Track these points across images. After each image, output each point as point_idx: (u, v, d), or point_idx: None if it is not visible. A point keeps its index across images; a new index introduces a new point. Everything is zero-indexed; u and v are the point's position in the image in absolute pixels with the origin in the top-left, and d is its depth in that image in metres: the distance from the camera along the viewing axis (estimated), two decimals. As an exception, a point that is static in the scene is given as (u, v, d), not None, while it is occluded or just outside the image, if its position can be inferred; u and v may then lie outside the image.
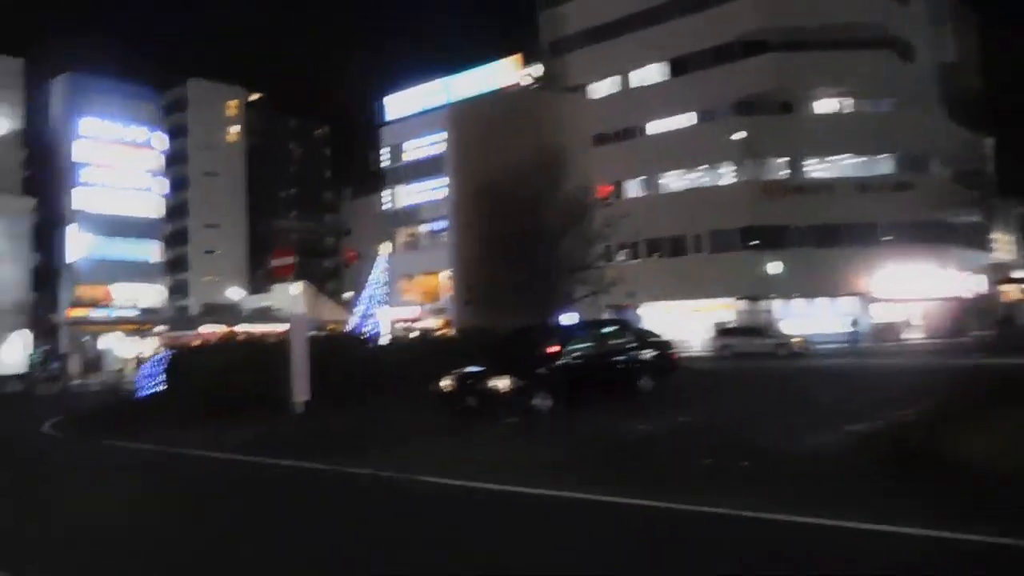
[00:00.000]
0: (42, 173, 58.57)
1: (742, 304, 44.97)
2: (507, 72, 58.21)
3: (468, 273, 22.05)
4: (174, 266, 68.41)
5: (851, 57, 45.78)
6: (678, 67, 49.36)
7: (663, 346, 15.97)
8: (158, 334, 54.90)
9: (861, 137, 45.58)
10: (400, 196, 65.19)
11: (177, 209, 70.04)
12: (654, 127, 50.16)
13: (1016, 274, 66.62)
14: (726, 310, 44.91)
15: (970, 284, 47.74)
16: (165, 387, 20.79)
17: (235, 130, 79.32)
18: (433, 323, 46.64)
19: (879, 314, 44.44)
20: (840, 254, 43.67)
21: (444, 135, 59.27)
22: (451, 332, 26.70)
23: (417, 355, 19.43)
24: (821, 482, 8.00)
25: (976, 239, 52.43)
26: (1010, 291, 62.56)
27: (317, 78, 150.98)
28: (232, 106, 79.47)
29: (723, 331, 37.64)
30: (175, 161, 69.48)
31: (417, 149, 63.77)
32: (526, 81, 56.28)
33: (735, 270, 43.79)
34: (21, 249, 52.96)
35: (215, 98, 77.65)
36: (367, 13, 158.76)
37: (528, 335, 15.46)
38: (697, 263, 45.64)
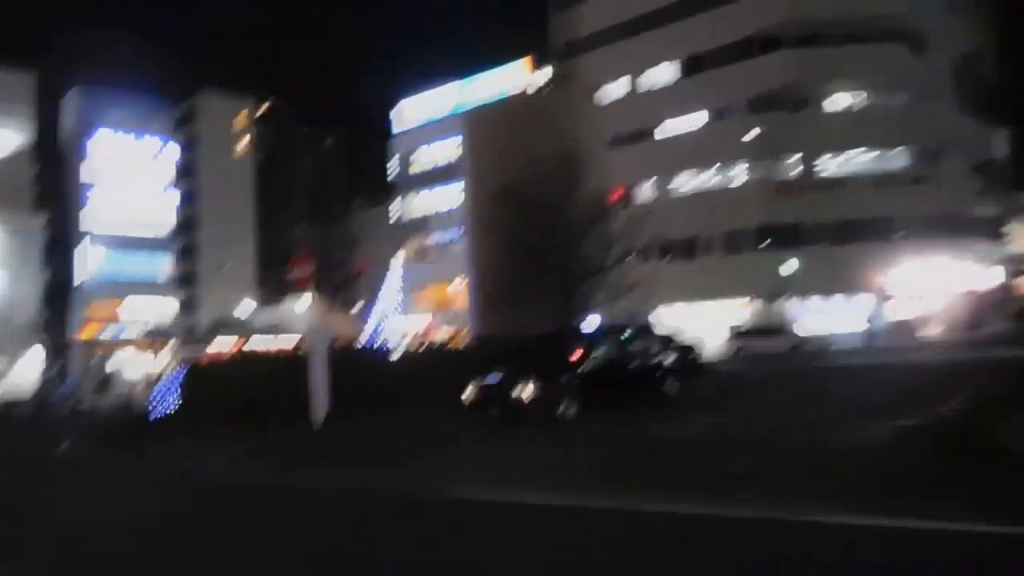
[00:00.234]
0: (53, 188, 58.66)
1: (758, 304, 44.52)
2: (519, 75, 57.96)
3: (486, 278, 21.68)
4: (185, 280, 68.36)
5: (866, 51, 45.31)
6: (692, 66, 48.97)
7: (688, 349, 15.62)
8: (169, 351, 54.82)
9: (876, 131, 45.11)
10: (410, 205, 65.01)
11: (188, 222, 70.03)
12: (668, 128, 49.78)
13: (1033, 266, 65.87)
14: (742, 311, 44.47)
15: (987, 277, 47.13)
16: (180, 403, 20.50)
17: (246, 141, 79.33)
18: (444, 334, 46.32)
19: (896, 311, 43.90)
20: (856, 251, 43.15)
21: (456, 141, 59.15)
22: (461, 343, 26.36)
23: (432, 366, 19.11)
24: (870, 483, 7.60)
25: (992, 232, 51.86)
26: (1025, 284, 61.89)
27: (328, 88, 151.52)
28: (242, 117, 79.50)
29: (738, 333, 37.21)
30: (186, 173, 69.52)
31: (428, 156, 63.55)
32: (538, 84, 56.04)
33: (750, 270, 43.36)
34: (32, 267, 53.03)
35: (226, 109, 77.65)
36: (375, 21, 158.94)
37: (551, 341, 15.10)
38: (711, 264, 45.22)
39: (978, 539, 5.44)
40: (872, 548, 5.52)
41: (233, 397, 16.94)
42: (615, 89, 51.13)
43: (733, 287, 44.24)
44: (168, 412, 21.15)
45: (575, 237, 19.91)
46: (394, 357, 21.25)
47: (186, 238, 69.34)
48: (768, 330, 36.07)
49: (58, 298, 56.03)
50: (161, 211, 62.82)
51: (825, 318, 42.34)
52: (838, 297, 44.21)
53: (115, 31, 66.83)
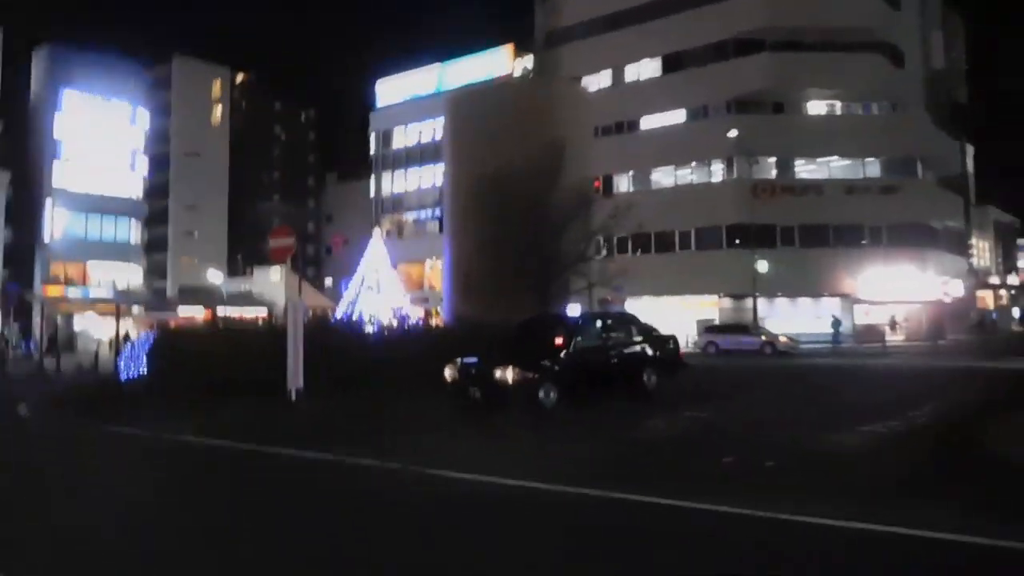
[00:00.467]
0: (19, 146, 57.17)
1: (727, 302, 45.12)
2: (500, 62, 57.84)
3: (464, 262, 21.67)
4: (152, 247, 67.21)
5: (844, 60, 46.04)
6: (673, 63, 49.35)
7: (669, 341, 15.79)
8: (135, 316, 53.93)
9: (850, 139, 45.90)
10: (387, 183, 64.62)
11: (158, 188, 68.77)
12: (647, 123, 50.13)
13: (992, 280, 67.65)
14: (711, 307, 45.05)
15: (949, 288, 48.27)
16: (148, 370, 20.17)
17: (220, 110, 78.11)
18: (417, 313, 46.26)
19: (861, 315, 44.80)
20: (825, 255, 43.97)
21: (434, 123, 58.81)
22: (437, 323, 26.34)
23: (410, 344, 19.07)
24: (853, 483, 7.83)
25: (956, 244, 53.09)
26: (985, 296, 63.59)
27: (305, 61, 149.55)
28: (217, 86, 78.24)
29: (709, 328, 37.70)
30: (157, 139, 68.21)
31: (406, 136, 63.24)
32: (519, 72, 55.99)
33: (721, 268, 43.93)
34: (-6, 225, 51.74)
35: (201, 77, 76.35)
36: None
37: (533, 326, 15.17)
38: (684, 260, 45.72)
39: (971, 548, 5.56)
40: (869, 550, 5.65)
41: (205, 366, 16.67)
42: (596, 81, 51.31)
43: (703, 283, 44.81)
44: (135, 377, 20.84)
45: (557, 225, 20.00)
46: (370, 333, 21.18)
47: (156, 204, 68.13)
48: (738, 327, 36.56)
49: (21, 258, 54.74)
50: (130, 176, 61.55)
51: (792, 318, 43.06)
52: (806, 298, 44.99)
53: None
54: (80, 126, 58.33)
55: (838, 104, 48.72)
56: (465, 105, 24.25)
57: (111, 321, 49.84)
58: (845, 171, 46.93)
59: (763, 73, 46.38)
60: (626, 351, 14.76)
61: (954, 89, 58.10)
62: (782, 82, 46.59)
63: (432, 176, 60.91)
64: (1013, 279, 75.53)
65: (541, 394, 12.82)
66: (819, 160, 47.07)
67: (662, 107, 49.08)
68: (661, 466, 8.85)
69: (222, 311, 47.47)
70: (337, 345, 18.08)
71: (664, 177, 49.13)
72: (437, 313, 41.26)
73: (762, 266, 41.07)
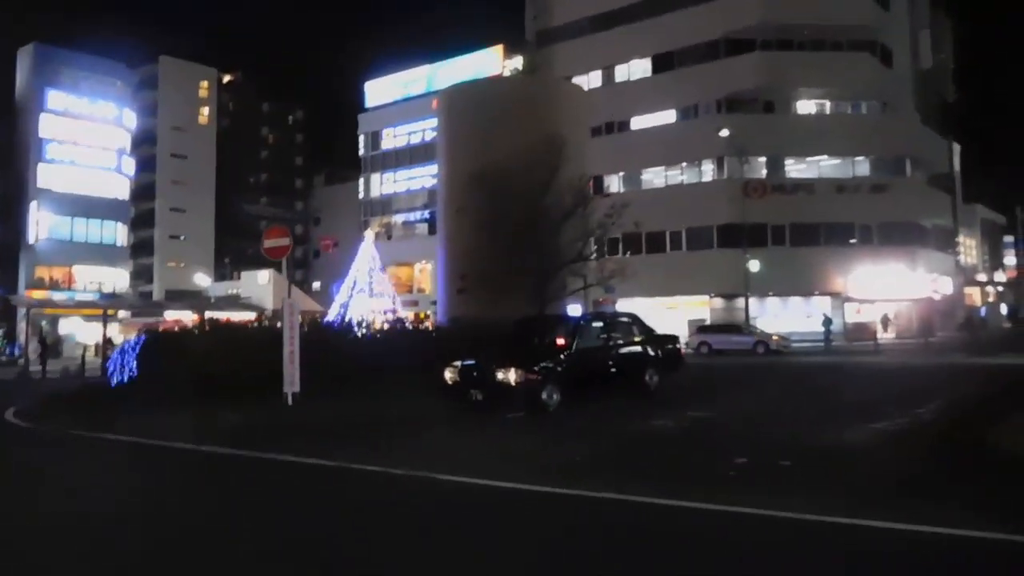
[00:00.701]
0: (3, 147, 56.44)
1: (718, 301, 45.10)
2: (490, 62, 57.64)
3: (460, 262, 21.42)
4: (138, 249, 66.57)
5: (834, 59, 46.22)
6: (663, 63, 49.35)
7: (669, 341, 15.62)
8: (121, 319, 53.32)
9: (840, 139, 46.03)
10: (376, 184, 64.26)
11: (144, 191, 68.15)
12: (637, 123, 50.10)
13: (979, 277, 68.11)
14: (702, 307, 45.00)
15: (938, 286, 48.54)
16: (139, 374, 19.81)
17: (206, 111, 77.52)
18: (407, 314, 46.01)
19: (851, 313, 44.91)
20: (815, 253, 44.04)
21: (424, 124, 58.54)
22: (430, 324, 26.04)
23: (405, 345, 18.83)
24: (870, 482, 7.67)
25: (944, 242, 53.36)
26: (973, 294, 64.03)
27: (293, 62, 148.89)
28: (204, 87, 77.65)
29: (701, 328, 37.60)
30: (144, 141, 67.58)
31: (395, 137, 62.90)
32: (509, 72, 55.84)
33: (712, 267, 43.92)
34: (-22, 227, 51.03)
35: (187, 78, 75.74)
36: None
37: (534, 326, 14.96)
38: (675, 260, 45.66)
39: (981, 544, 5.46)
40: (879, 548, 5.51)
41: (197, 369, 16.37)
42: (586, 81, 51.25)
43: (694, 283, 44.78)
44: (125, 381, 20.48)
45: (554, 223, 19.79)
46: (363, 335, 20.90)
47: (142, 206, 67.51)
48: (730, 327, 36.49)
49: (5, 259, 54.03)
50: (116, 177, 60.88)
51: (783, 317, 43.09)
52: (796, 297, 45.03)
53: (75, -12, 64.42)
54: (65, 127, 57.65)
55: (828, 103, 48.86)
56: (460, 101, 24.00)
57: (97, 325, 49.31)
58: (835, 170, 47.05)
59: (754, 72, 46.44)
60: (628, 351, 14.57)
61: (942, 88, 58.43)
62: (773, 81, 46.67)
63: (422, 178, 60.64)
64: (1000, 276, 76.16)
65: (544, 395, 12.61)
66: (809, 159, 47.18)
67: (653, 107, 49.06)
68: (674, 467, 8.65)
69: (209, 314, 46.85)
70: (331, 347, 17.83)
71: (655, 177, 49.08)
72: (426, 315, 41.02)
73: (754, 265, 41.06)
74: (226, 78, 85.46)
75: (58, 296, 54.16)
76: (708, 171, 47.41)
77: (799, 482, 7.66)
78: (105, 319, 41.98)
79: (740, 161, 44.02)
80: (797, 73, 46.90)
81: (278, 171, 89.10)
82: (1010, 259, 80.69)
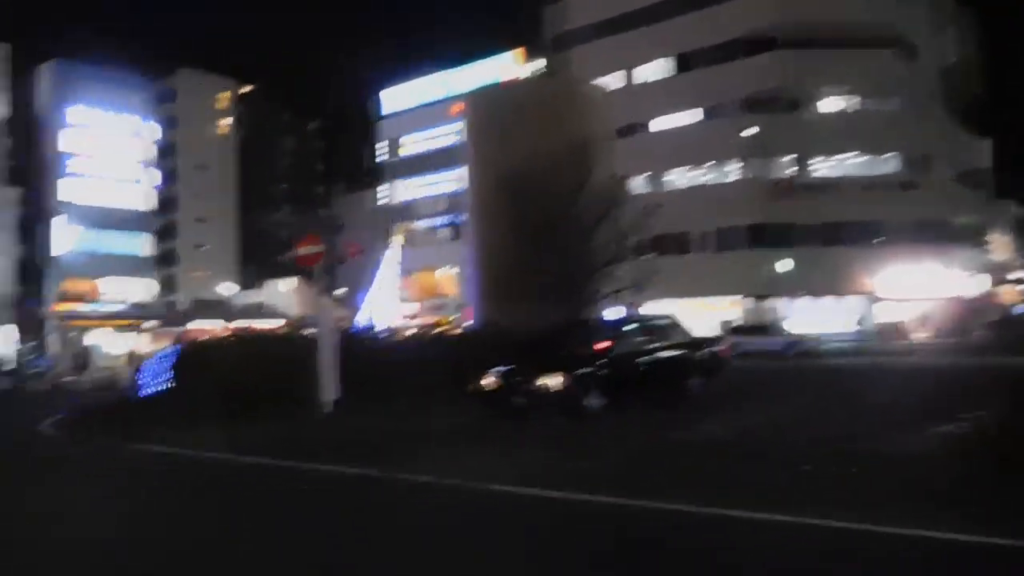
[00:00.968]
0: (28, 163, 57.05)
1: (747, 303, 44.60)
2: (509, 66, 57.47)
3: (489, 266, 21.19)
4: (163, 261, 67.01)
5: (858, 56, 45.57)
6: (684, 63, 48.96)
7: (712, 343, 15.29)
8: (148, 330, 53.64)
9: (867, 136, 45.42)
10: (397, 191, 64.23)
11: (167, 202, 68.62)
12: (659, 124, 49.72)
13: (1012, 275, 66.89)
14: (730, 309, 44.49)
15: (970, 284, 47.72)
16: (173, 384, 19.75)
17: (226, 122, 77.99)
18: (431, 320, 45.90)
19: (884, 313, 44.25)
20: (845, 253, 43.44)
21: (443, 129, 58.41)
22: (461, 331, 25.81)
23: (438, 352, 18.60)
24: (955, 489, 7.27)
25: (977, 240, 52.48)
26: (1006, 292, 62.84)
27: (311, 71, 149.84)
28: (223, 98, 78.13)
29: (732, 330, 37.07)
30: (165, 153, 68.08)
31: (415, 143, 62.86)
32: (527, 76, 55.64)
33: (740, 268, 43.43)
34: (5, 241, 51.56)
35: (206, 89, 76.25)
36: (364, 4, 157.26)
37: (573, 331, 14.69)
38: (701, 261, 45.21)
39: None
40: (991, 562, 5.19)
41: (231, 379, 16.24)
42: (606, 84, 50.94)
43: (722, 285, 44.30)
44: (159, 392, 20.43)
45: (585, 227, 19.52)
46: (393, 342, 20.74)
47: (165, 217, 67.96)
48: (761, 328, 36.01)
49: (33, 273, 54.58)
50: (138, 189, 61.36)
51: (813, 318, 42.49)
52: (826, 298, 44.44)
53: (93, 4, 65.11)
54: (87, 140, 58.19)
55: (853, 101, 48.23)
56: (487, 105, 23.82)
57: (124, 336, 49.72)
58: (862, 168, 46.45)
59: (776, 71, 45.94)
60: (669, 354, 14.26)
61: (970, 83, 57.49)
62: (795, 80, 46.14)
63: (443, 183, 60.52)
64: (1033, 274, 74.72)
65: (587, 400, 12.33)
66: (836, 158, 46.57)
67: (674, 108, 48.69)
68: (735, 476, 8.31)
69: (238, 324, 47.08)
70: (361, 354, 17.64)
71: (678, 178, 48.67)
72: (448, 320, 40.89)
73: (783, 266, 40.51)
74: (244, 89, 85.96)
75: (85, 308, 54.54)
76: (732, 171, 46.94)
77: (877, 490, 7.31)
78: (133, 330, 42.28)
79: (765, 161, 43.56)
80: (820, 71, 46.35)
81: (299, 180, 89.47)
82: (1043, 256, 79.20)
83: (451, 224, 59.17)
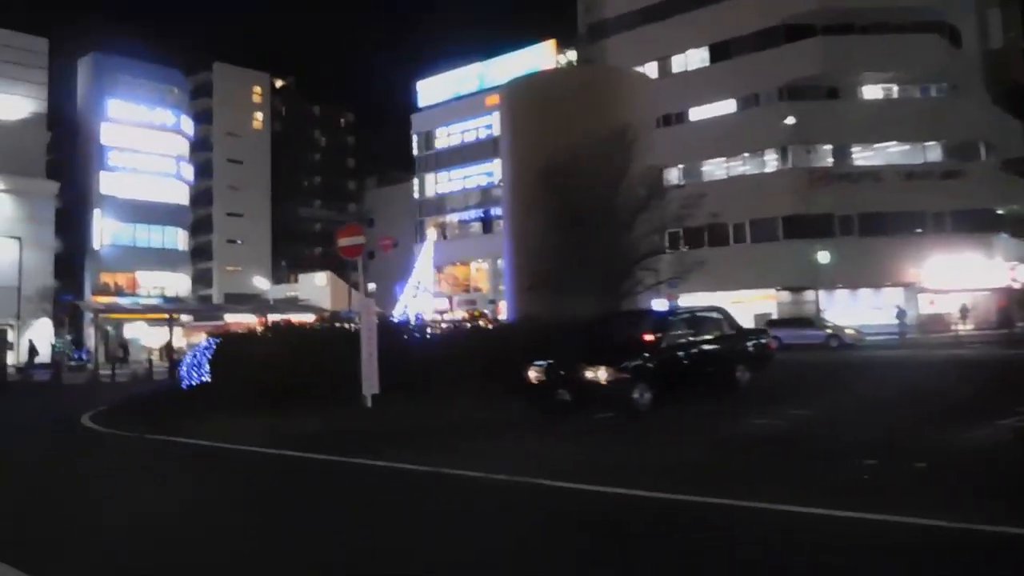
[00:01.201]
0: (66, 156, 57.87)
1: (784, 295, 43.91)
2: (543, 57, 57.07)
3: (528, 259, 20.92)
4: (197, 254, 67.71)
5: (898, 41, 44.55)
6: (720, 52, 48.26)
7: (759, 335, 14.92)
8: (184, 323, 54.19)
9: (908, 124, 44.41)
10: (430, 184, 64.19)
11: (201, 196, 69.29)
12: (696, 114, 49.06)
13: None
14: (768, 301, 43.85)
15: (1017, 274, 46.52)
16: (212, 377, 19.79)
17: (260, 116, 78.55)
18: (463, 314, 45.89)
19: (925, 304, 43.33)
20: (886, 243, 42.56)
21: (478, 121, 58.26)
22: (488, 321, 25.55)
23: (478, 344, 18.39)
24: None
25: (1022, 229, 51.14)
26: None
27: (343, 65, 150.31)
28: (257, 92, 78.68)
29: (770, 322, 36.51)
30: (200, 147, 68.70)
31: (449, 136, 62.72)
32: (564, 65, 55.21)
33: (777, 260, 42.76)
34: (45, 234, 52.33)
35: (240, 83, 76.89)
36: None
37: (619, 323, 14.40)
38: (739, 253, 44.57)
39: None
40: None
41: (272, 371, 16.20)
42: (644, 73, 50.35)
43: (759, 276, 43.63)
44: (198, 384, 20.50)
45: (624, 218, 19.15)
46: (431, 336, 20.55)
47: (199, 211, 68.63)
48: (800, 320, 35.41)
49: (70, 267, 55.39)
50: (175, 183, 62.00)
51: (853, 310, 41.73)
52: (866, 289, 43.61)
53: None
54: (126, 134, 58.88)
55: (895, 87, 47.18)
56: (523, 94, 23.49)
57: (160, 329, 50.22)
58: (904, 157, 45.45)
59: (815, 58, 45.07)
60: (717, 347, 13.93)
61: (1015, 68, 55.96)
62: (835, 67, 45.24)
63: (476, 176, 60.34)
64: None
65: (635, 394, 12.05)
66: (877, 146, 45.61)
67: (711, 97, 47.99)
68: (798, 471, 8.01)
69: (273, 317, 47.35)
70: (400, 348, 17.49)
71: (716, 168, 48.00)
72: (481, 313, 40.73)
73: (824, 257, 39.75)
74: (278, 83, 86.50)
75: (123, 301, 55.27)
76: (771, 161, 46.18)
77: (950, 486, 6.98)
78: (171, 323, 42.66)
79: (804, 150, 42.76)
80: (861, 57, 45.39)
81: (331, 174, 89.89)
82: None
83: (483, 218, 59.01)
